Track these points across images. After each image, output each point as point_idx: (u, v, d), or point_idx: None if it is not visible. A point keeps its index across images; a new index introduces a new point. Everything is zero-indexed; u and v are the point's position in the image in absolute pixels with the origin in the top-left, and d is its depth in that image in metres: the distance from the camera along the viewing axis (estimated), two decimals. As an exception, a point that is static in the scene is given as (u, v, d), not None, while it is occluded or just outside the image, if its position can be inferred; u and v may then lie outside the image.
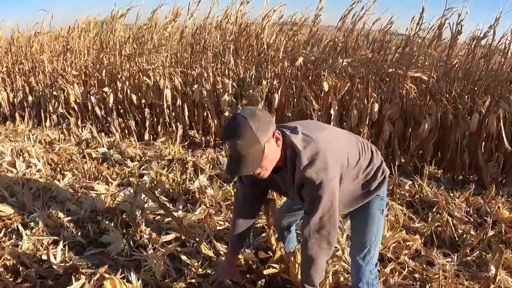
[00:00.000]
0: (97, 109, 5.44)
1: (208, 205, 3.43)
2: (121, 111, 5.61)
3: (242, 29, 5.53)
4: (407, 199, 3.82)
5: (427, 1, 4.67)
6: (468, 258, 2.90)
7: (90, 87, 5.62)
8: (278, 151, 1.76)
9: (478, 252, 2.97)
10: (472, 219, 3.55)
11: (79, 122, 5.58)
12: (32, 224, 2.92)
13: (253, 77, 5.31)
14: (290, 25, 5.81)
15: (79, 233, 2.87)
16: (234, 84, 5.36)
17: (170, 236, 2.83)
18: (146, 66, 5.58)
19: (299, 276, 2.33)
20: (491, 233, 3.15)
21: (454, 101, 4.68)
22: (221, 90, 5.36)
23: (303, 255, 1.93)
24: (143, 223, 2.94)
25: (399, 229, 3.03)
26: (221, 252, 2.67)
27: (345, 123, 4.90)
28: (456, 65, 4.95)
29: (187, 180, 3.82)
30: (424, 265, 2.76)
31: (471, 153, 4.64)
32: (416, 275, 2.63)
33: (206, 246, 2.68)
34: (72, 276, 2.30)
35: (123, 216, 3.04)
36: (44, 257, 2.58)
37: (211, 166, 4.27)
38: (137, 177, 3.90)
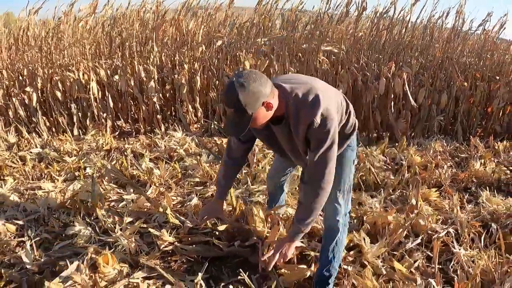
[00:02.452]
0: (20, 110, 5.34)
1: (157, 185, 3.65)
2: (45, 110, 5.56)
3: (161, 16, 5.67)
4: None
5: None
6: (392, 196, 3.50)
7: (10, 88, 5.49)
8: (269, 114, 1.89)
9: (399, 191, 3.60)
10: (390, 167, 4.18)
11: (4, 127, 5.42)
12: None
13: (176, 62, 5.51)
14: (204, 10, 6.04)
15: (43, 230, 2.90)
16: (156, 71, 5.53)
17: (133, 216, 2.99)
18: (68, 61, 5.55)
19: (257, 225, 2.71)
20: (407, 174, 3.78)
21: (362, 69, 5.28)
22: (145, 78, 5.50)
23: (306, 196, 2.04)
24: (103, 208, 3.07)
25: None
26: (187, 222, 2.86)
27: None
28: (362, 38, 5.55)
29: (129, 166, 3.98)
30: (357, 206, 3.28)
31: (382, 113, 5.33)
32: (352, 214, 3.08)
33: (172, 215, 2.88)
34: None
35: (85, 204, 3.15)
36: (13, 260, 2.56)
37: (148, 151, 4.51)
38: (82, 170, 3.99)
